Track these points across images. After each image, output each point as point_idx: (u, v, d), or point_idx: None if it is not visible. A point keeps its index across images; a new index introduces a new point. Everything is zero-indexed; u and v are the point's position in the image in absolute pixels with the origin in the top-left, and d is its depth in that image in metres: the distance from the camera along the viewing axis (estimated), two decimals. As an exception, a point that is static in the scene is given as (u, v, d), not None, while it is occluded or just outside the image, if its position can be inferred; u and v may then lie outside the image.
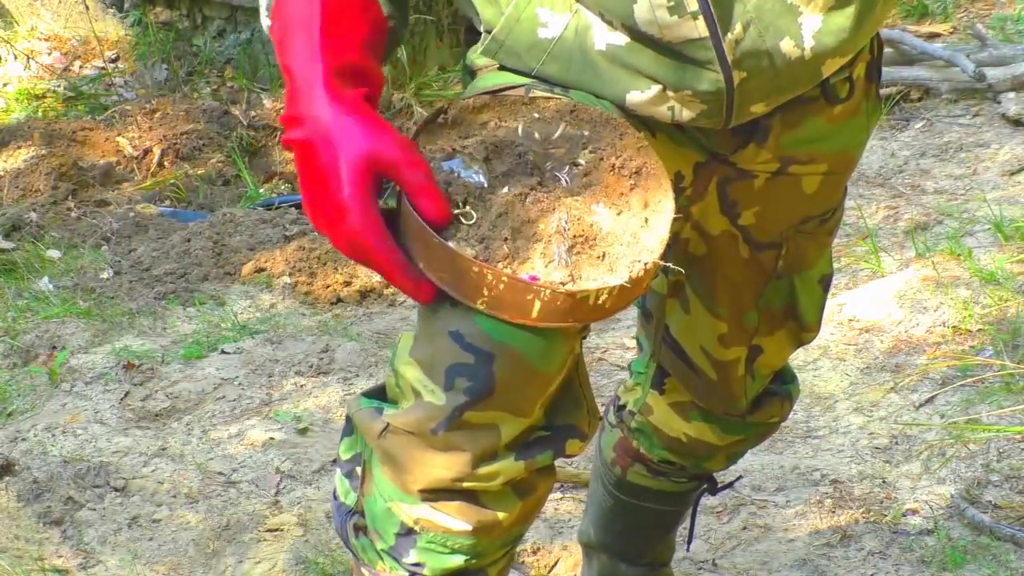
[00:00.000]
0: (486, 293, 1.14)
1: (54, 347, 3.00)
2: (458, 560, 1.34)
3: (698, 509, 1.93)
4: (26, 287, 3.36)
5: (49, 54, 5.53)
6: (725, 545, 2.22)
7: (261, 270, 3.40)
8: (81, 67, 5.44)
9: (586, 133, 1.23)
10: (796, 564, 2.13)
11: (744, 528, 2.25)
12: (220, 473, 2.51)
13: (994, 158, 3.68)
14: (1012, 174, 3.55)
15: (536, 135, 1.22)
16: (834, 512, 2.25)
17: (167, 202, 4.15)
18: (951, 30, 4.63)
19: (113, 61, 5.44)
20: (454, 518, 1.30)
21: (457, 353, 1.24)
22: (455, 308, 1.22)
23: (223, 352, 2.97)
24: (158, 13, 5.37)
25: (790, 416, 2.57)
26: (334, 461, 1.45)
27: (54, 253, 3.61)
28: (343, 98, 1.18)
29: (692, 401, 1.71)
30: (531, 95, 1.26)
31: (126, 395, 2.78)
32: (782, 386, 1.74)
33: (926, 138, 3.93)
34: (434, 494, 1.30)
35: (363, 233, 1.16)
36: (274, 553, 2.25)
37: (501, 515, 1.31)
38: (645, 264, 1.16)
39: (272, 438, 2.58)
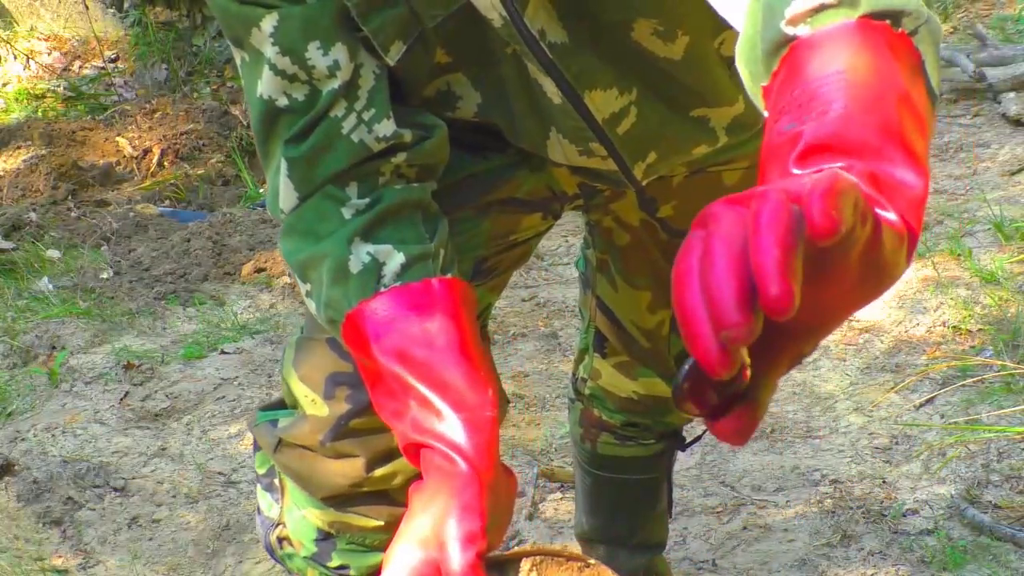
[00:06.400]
0: None
1: (54, 347, 3.00)
2: (380, 556, 1.32)
3: (672, 475, 1.93)
4: (26, 287, 3.36)
5: (49, 54, 5.53)
6: (725, 545, 2.21)
7: (261, 270, 3.40)
8: (81, 67, 5.44)
9: None
10: (796, 564, 2.12)
11: (744, 528, 2.25)
12: (220, 473, 2.50)
13: (994, 158, 3.68)
14: (1012, 174, 3.55)
15: None
16: (834, 512, 2.24)
17: (167, 202, 4.15)
18: (951, 30, 4.62)
19: (113, 61, 5.44)
20: (367, 516, 1.29)
21: (335, 362, 1.23)
22: None
23: (223, 352, 2.97)
24: (158, 13, 5.37)
25: (790, 416, 2.58)
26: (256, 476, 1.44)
27: (54, 253, 3.61)
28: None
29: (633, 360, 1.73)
30: None
31: (126, 395, 2.78)
32: None
33: (926, 138, 3.93)
34: (337, 500, 1.29)
35: None
36: (274, 553, 2.25)
37: None
38: None
39: (272, 438, 2.58)
